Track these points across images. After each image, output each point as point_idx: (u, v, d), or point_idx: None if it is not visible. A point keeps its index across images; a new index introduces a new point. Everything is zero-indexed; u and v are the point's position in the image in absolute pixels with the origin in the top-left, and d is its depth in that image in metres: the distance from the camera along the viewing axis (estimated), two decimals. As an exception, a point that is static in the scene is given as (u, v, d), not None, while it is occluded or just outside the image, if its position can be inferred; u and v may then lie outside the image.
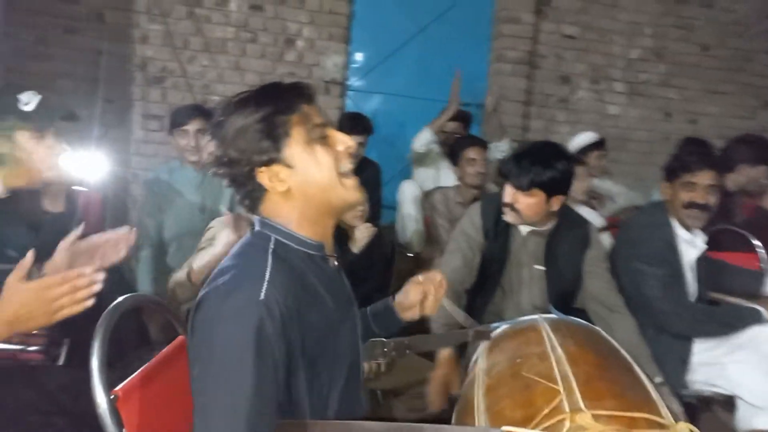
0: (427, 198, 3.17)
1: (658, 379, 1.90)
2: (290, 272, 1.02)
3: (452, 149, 3.18)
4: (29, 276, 1.19)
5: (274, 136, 1.03)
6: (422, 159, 3.39)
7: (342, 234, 2.32)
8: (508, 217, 2.00)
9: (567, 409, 0.84)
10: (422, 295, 1.30)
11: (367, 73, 4.14)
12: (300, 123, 1.04)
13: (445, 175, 3.31)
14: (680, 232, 2.22)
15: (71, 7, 3.55)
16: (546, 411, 0.84)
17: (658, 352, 1.99)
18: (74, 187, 2.10)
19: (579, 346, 1.11)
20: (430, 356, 2.01)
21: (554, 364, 0.99)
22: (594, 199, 3.27)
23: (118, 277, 2.33)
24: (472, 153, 3.02)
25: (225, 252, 1.71)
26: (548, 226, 2.06)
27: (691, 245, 2.23)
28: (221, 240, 1.76)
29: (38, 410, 1.64)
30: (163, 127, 3.33)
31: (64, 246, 1.24)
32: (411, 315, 1.32)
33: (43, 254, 1.94)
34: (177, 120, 2.71)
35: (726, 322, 2.12)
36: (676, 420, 0.85)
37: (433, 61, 4.10)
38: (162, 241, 2.65)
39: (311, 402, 1.02)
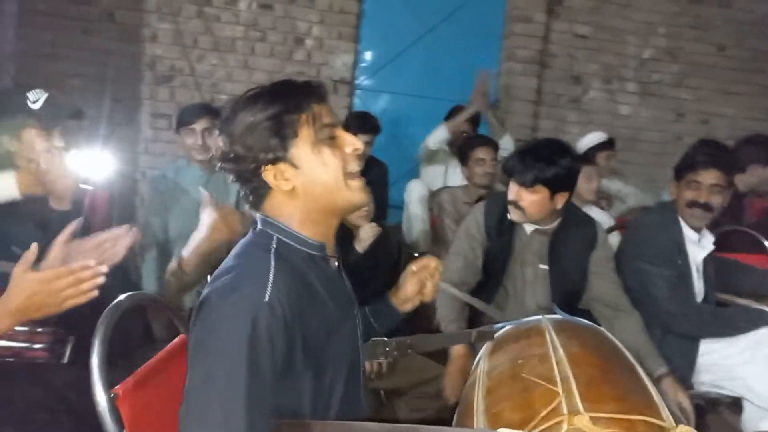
0: (434, 198, 3.16)
1: (663, 370, 1.90)
2: (292, 272, 1.02)
3: (461, 149, 3.17)
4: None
5: (282, 134, 1.03)
6: (432, 157, 3.39)
7: (347, 233, 2.31)
8: (513, 215, 1.99)
9: (565, 411, 0.82)
10: (419, 285, 1.31)
11: (375, 72, 4.14)
12: (309, 123, 1.03)
13: (453, 174, 3.30)
14: (688, 233, 2.19)
15: (82, 8, 3.59)
16: (544, 413, 0.83)
17: (665, 353, 1.98)
18: (81, 186, 2.11)
19: (582, 347, 1.09)
20: (433, 356, 2.01)
21: (555, 365, 0.98)
22: (603, 199, 3.24)
23: (123, 276, 2.34)
24: (480, 153, 3.02)
25: (209, 234, 1.72)
26: (553, 224, 2.05)
27: (698, 246, 2.21)
28: (203, 221, 1.76)
29: (43, 408, 1.64)
30: (172, 126, 3.35)
31: (59, 242, 1.25)
32: (411, 306, 1.33)
33: (47, 252, 1.96)
34: (184, 119, 2.71)
35: (733, 324, 2.10)
36: (678, 423, 0.83)
37: (442, 61, 4.09)
38: (168, 240, 2.66)
39: (313, 403, 1.02)
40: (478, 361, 1.27)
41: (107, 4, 3.62)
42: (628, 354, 1.15)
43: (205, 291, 1.01)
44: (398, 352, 1.33)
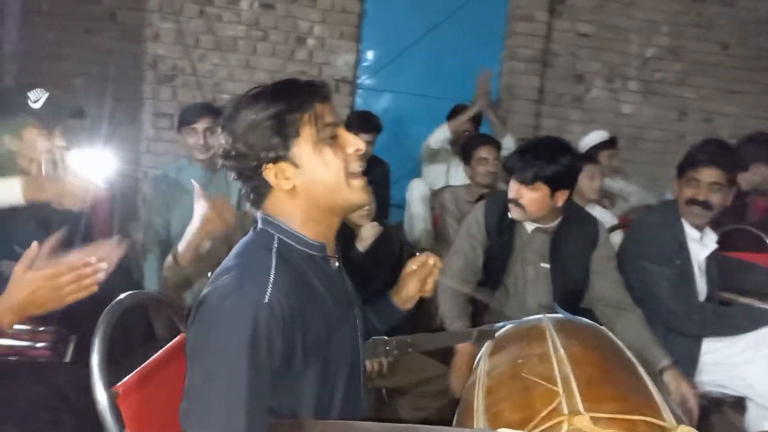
0: (436, 197, 3.16)
1: (667, 362, 1.90)
2: (292, 272, 1.02)
3: (463, 148, 3.17)
4: None
5: (283, 133, 1.03)
6: (434, 156, 3.38)
7: (349, 232, 2.31)
8: (513, 213, 1.99)
9: (565, 411, 0.82)
10: (420, 283, 1.33)
11: (377, 72, 4.14)
12: (311, 122, 1.03)
13: (455, 174, 3.29)
14: (690, 231, 2.19)
15: (85, 7, 3.59)
16: (544, 413, 0.82)
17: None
18: (88, 184, 2.11)
19: (583, 346, 1.09)
20: (435, 355, 2.01)
21: (555, 365, 0.97)
22: (606, 198, 3.23)
23: (125, 275, 2.35)
24: (483, 152, 3.01)
25: (201, 225, 1.73)
26: (554, 223, 2.05)
27: (700, 244, 2.20)
28: (196, 213, 1.77)
29: (46, 406, 1.65)
30: (173, 125, 3.36)
31: (41, 256, 1.21)
32: (411, 303, 1.35)
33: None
34: (186, 118, 2.71)
35: (735, 323, 2.09)
36: (679, 422, 0.83)
37: (444, 60, 4.09)
38: (170, 239, 2.66)
39: (314, 402, 1.02)
40: (479, 361, 1.27)
41: (109, 4, 3.62)
42: (629, 354, 1.15)
43: (205, 290, 1.00)
44: (399, 350, 1.33)
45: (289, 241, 1.06)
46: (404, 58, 4.11)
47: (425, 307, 1.89)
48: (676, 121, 4.37)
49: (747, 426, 2.03)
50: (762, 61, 4.39)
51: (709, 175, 2.11)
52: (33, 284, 1.16)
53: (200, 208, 1.76)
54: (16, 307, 1.15)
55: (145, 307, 2.03)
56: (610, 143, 3.32)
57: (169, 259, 1.77)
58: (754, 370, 2.00)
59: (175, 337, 1.41)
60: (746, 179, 2.90)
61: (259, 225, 1.09)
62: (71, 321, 1.43)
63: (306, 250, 1.07)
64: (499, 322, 1.47)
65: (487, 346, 1.33)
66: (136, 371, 1.20)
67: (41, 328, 1.71)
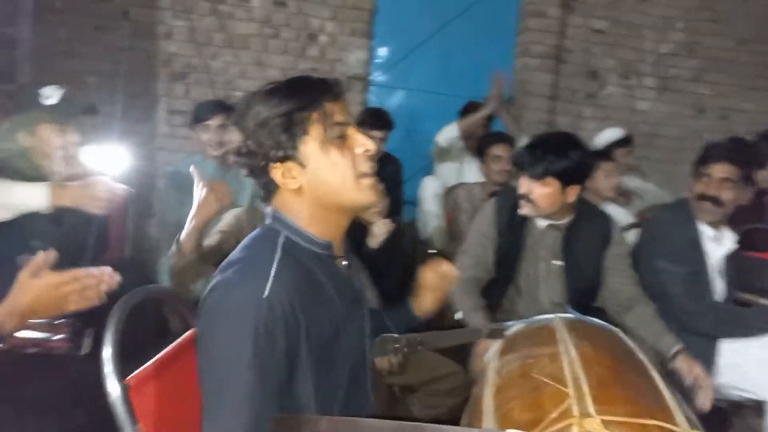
0: (450, 194, 3.15)
1: (678, 347, 1.89)
2: (298, 269, 1.02)
3: (478, 146, 3.15)
4: None
5: (291, 132, 1.02)
6: (445, 154, 3.37)
7: (361, 229, 2.30)
8: (524, 209, 1.98)
9: (576, 413, 0.81)
10: (437, 294, 1.36)
11: (389, 69, 4.13)
12: (319, 121, 1.03)
13: (468, 171, 3.28)
14: (704, 230, 2.16)
15: (99, 6, 3.62)
16: (554, 415, 0.81)
17: None
18: (92, 176, 2.13)
19: (594, 347, 1.07)
20: (447, 353, 2.00)
21: (566, 365, 0.96)
22: (621, 196, 3.20)
23: (139, 270, 2.38)
24: (497, 150, 3.00)
25: (200, 208, 1.75)
26: (566, 219, 2.03)
27: (717, 243, 2.17)
28: (195, 195, 1.79)
29: (63, 397, 1.68)
30: (187, 123, 3.37)
31: (25, 275, 1.18)
32: (426, 304, 1.37)
33: (65, 245, 1.99)
34: (199, 115, 2.73)
35: (752, 324, 2.06)
36: (692, 427, 0.81)
37: (456, 57, 4.08)
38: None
39: (317, 398, 1.02)
40: (489, 359, 1.26)
41: (122, 2, 3.64)
42: (642, 356, 1.13)
43: (211, 283, 1.01)
44: (408, 348, 1.32)
45: (296, 239, 1.06)
46: (416, 55, 4.10)
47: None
48: (692, 118, 4.31)
49: (767, 430, 1.99)
50: (779, 57, 4.33)
51: (720, 170, 2.08)
52: (36, 291, 1.17)
53: (198, 191, 1.79)
54: (18, 312, 1.16)
55: (160, 303, 2.06)
56: (625, 141, 3.28)
57: (174, 247, 1.79)
58: (766, 372, 1.98)
59: (188, 331, 1.42)
60: (764, 177, 2.84)
61: (268, 221, 1.09)
62: (88, 314, 1.45)
63: (312, 248, 1.07)
64: (510, 319, 1.46)
65: (497, 344, 1.32)
66: (147, 364, 1.21)
67: (59, 321, 1.74)
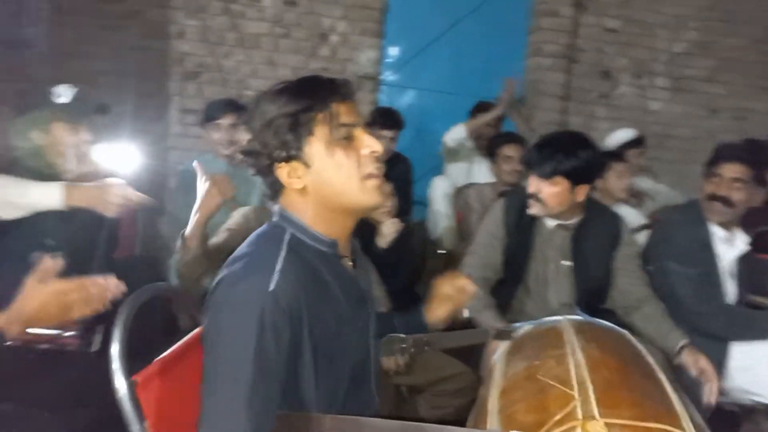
0: (460, 194, 3.14)
1: (683, 341, 1.89)
2: (303, 266, 1.03)
3: (489, 146, 3.15)
4: None
5: (297, 132, 1.03)
6: (454, 154, 3.36)
7: (370, 229, 2.31)
8: (533, 208, 1.97)
9: (580, 416, 0.80)
10: (452, 305, 1.37)
11: (400, 68, 4.13)
12: (324, 122, 1.03)
13: (478, 171, 3.27)
14: (716, 231, 2.13)
15: (112, 6, 3.65)
16: (558, 417, 0.81)
17: None
18: (108, 179, 2.15)
19: (602, 350, 1.07)
20: (455, 354, 2.00)
21: (572, 368, 0.95)
22: (633, 197, 3.17)
23: (151, 269, 2.39)
24: (508, 150, 2.99)
25: (203, 201, 1.76)
26: (575, 219, 2.02)
27: (728, 245, 2.15)
28: (198, 189, 1.81)
29: (73, 393, 1.70)
30: (199, 122, 3.40)
31: (32, 281, 1.20)
32: (438, 314, 1.38)
33: (76, 242, 2.01)
34: (210, 114, 2.74)
35: (764, 327, 2.04)
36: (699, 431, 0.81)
37: (467, 56, 4.06)
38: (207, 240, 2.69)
39: (318, 396, 1.02)
40: (496, 361, 1.26)
41: (135, 2, 3.67)
42: (650, 359, 1.12)
43: (217, 277, 1.03)
44: (415, 348, 1.33)
45: (302, 236, 1.07)
46: (427, 54, 4.09)
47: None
48: (705, 118, 4.27)
49: None
50: (796, 57, 4.27)
51: (731, 170, 2.06)
52: (42, 297, 1.18)
53: (201, 185, 1.80)
54: (23, 317, 1.17)
55: (169, 301, 2.07)
56: (637, 141, 3.26)
57: (179, 242, 1.80)
58: None
59: (196, 329, 1.43)
60: (779, 178, 2.80)
61: (274, 218, 1.10)
62: (99, 312, 1.46)
63: (318, 246, 1.07)
64: (520, 320, 1.46)
65: (504, 346, 1.32)
66: (155, 361, 1.22)
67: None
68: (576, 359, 0.99)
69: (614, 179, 2.80)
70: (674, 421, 0.81)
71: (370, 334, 1.17)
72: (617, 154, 2.96)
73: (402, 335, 1.32)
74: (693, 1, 4.16)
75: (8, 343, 1.17)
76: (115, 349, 1.14)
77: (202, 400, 0.95)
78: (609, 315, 2.01)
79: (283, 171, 1.05)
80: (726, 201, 2.07)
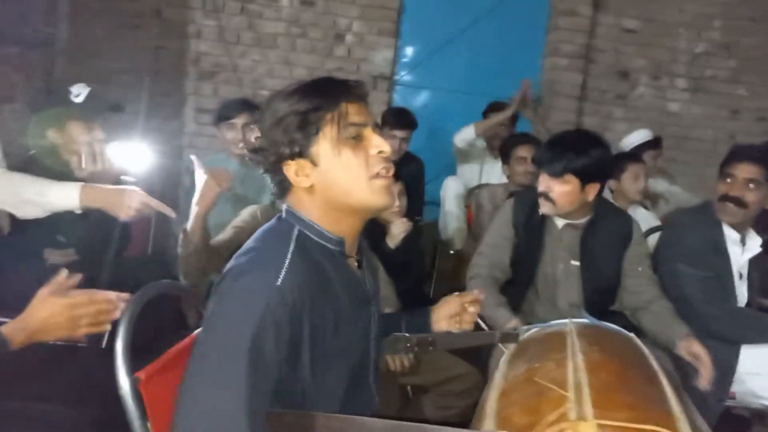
0: (472, 195, 3.13)
1: (683, 331, 1.87)
2: (310, 262, 1.03)
3: (502, 147, 3.13)
4: None
5: (305, 131, 1.03)
6: (466, 154, 3.35)
7: (379, 229, 2.31)
8: (543, 207, 1.96)
9: (573, 417, 0.80)
10: (460, 308, 1.35)
11: (415, 68, 4.12)
12: (333, 121, 1.03)
13: (490, 172, 3.25)
14: (728, 233, 2.10)
15: (132, 5, 3.71)
16: (550, 418, 0.81)
17: None
18: (122, 177, 2.19)
19: (603, 353, 1.05)
20: (462, 354, 1.99)
21: (570, 370, 0.95)
22: (648, 199, 3.14)
23: (163, 268, 2.42)
24: (522, 151, 2.97)
25: (202, 193, 1.78)
26: (584, 219, 2.00)
27: (741, 247, 2.11)
28: (197, 182, 1.82)
29: (82, 388, 1.73)
30: (213, 120, 3.43)
31: (44, 292, 1.21)
32: (443, 326, 1.36)
33: (89, 239, 2.04)
34: (224, 113, 2.77)
35: None
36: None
37: (483, 56, 4.04)
38: (209, 233, 2.72)
39: (315, 394, 1.02)
40: (500, 363, 1.25)
41: (155, 1, 3.73)
42: (654, 363, 1.10)
43: (226, 268, 1.03)
44: (420, 348, 1.32)
45: (309, 234, 1.07)
46: (443, 54, 4.07)
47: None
48: (727, 120, 4.20)
49: None
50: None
51: (744, 171, 2.03)
52: (52, 309, 1.18)
53: (200, 177, 1.82)
54: (29, 328, 1.17)
55: (179, 298, 2.10)
56: (654, 143, 3.22)
57: (181, 236, 1.82)
58: None
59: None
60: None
61: (282, 215, 1.11)
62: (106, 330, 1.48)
63: (325, 243, 1.07)
64: (530, 321, 1.44)
65: (509, 348, 1.31)
66: (159, 358, 1.22)
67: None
68: (575, 362, 0.98)
69: (630, 181, 2.77)
70: (670, 423, 0.80)
71: (371, 334, 1.17)
72: (633, 156, 2.93)
73: (406, 335, 1.32)
74: (718, 0, 4.09)
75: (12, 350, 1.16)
76: (119, 346, 1.15)
77: (184, 383, 0.94)
78: (618, 316, 1.98)
79: (290, 169, 1.05)
80: (739, 202, 2.03)
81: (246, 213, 2.01)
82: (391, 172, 1.08)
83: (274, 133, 1.05)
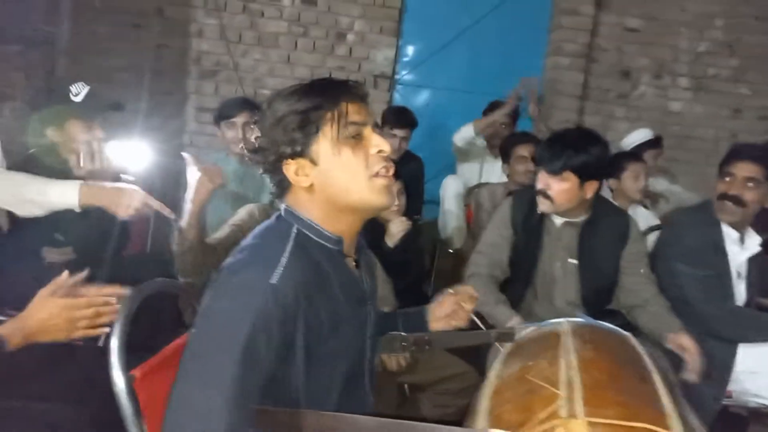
0: (472, 193, 3.12)
1: (677, 326, 1.88)
2: (308, 261, 1.03)
3: (502, 146, 3.12)
4: None
5: (305, 130, 1.04)
6: (465, 153, 3.35)
7: (379, 227, 2.31)
8: (542, 205, 1.96)
9: (563, 414, 0.80)
10: (455, 306, 1.35)
11: (416, 67, 4.12)
12: (333, 120, 1.04)
13: (490, 171, 3.25)
14: (728, 232, 2.09)
15: (133, 3, 3.72)
16: (541, 416, 0.81)
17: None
18: (122, 176, 2.19)
19: (597, 352, 1.06)
20: (459, 353, 1.99)
21: (562, 369, 0.95)
22: (647, 198, 3.13)
23: (160, 264, 2.42)
24: (522, 150, 2.96)
25: (196, 190, 1.78)
26: (582, 217, 2.00)
27: (740, 246, 2.11)
28: (190, 180, 1.82)
29: (79, 387, 1.73)
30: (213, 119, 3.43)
31: (44, 293, 1.20)
32: (441, 326, 1.36)
33: (88, 237, 2.05)
34: (225, 112, 2.77)
35: None
36: (687, 433, 0.80)
37: (485, 55, 4.03)
38: (205, 230, 2.72)
39: (308, 393, 1.02)
40: (494, 363, 1.25)
41: (157, 0, 3.73)
42: (649, 362, 1.10)
43: (223, 264, 1.04)
44: (416, 347, 1.32)
45: (308, 233, 1.07)
46: (445, 53, 4.07)
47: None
48: (729, 119, 4.18)
49: None
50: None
51: (743, 169, 2.02)
52: (50, 311, 1.19)
53: (192, 175, 1.83)
54: (27, 329, 1.17)
55: (177, 297, 2.10)
56: (654, 142, 3.21)
57: (176, 233, 1.83)
58: None
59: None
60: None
61: (281, 214, 1.11)
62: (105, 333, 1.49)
63: (323, 242, 1.08)
64: (528, 320, 1.44)
65: (505, 347, 1.31)
66: (154, 356, 1.23)
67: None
68: (568, 360, 0.98)
69: (630, 180, 2.77)
70: (661, 421, 0.80)
71: (367, 334, 1.17)
72: (634, 155, 2.93)
73: (403, 334, 1.32)
74: (717, -1, 4.08)
75: (9, 350, 1.16)
76: (114, 344, 1.15)
77: (177, 379, 0.94)
78: (616, 315, 1.98)
79: (290, 168, 1.06)
80: (738, 200, 2.03)
81: (244, 211, 2.02)
82: (391, 171, 1.09)
83: (274, 133, 1.05)
